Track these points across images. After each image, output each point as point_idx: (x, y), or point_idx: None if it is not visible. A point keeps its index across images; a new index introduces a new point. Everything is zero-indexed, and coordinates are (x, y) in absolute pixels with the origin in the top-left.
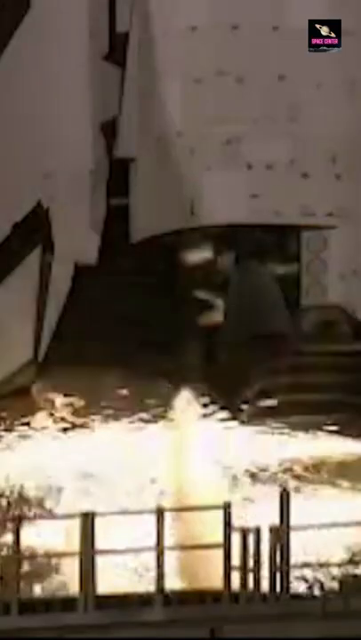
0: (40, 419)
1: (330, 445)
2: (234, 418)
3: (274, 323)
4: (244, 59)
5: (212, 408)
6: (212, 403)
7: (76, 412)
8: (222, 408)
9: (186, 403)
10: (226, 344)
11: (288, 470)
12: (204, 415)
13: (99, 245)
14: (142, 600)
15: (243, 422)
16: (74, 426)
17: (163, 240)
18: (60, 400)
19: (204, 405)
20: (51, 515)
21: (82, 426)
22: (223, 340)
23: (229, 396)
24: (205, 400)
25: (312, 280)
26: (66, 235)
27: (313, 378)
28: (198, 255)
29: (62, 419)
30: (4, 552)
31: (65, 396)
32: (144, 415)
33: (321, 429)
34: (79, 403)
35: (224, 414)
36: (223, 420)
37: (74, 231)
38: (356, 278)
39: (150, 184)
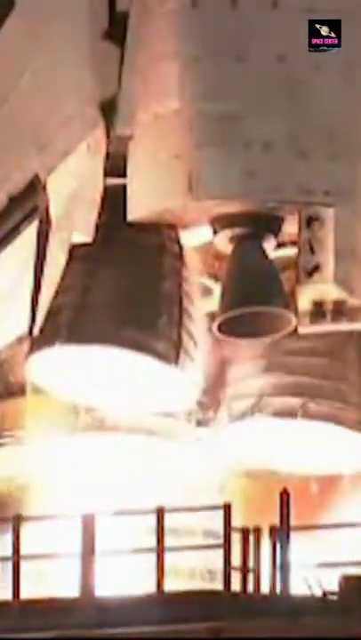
0: None
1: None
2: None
3: (271, 302)
4: (243, 37)
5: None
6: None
7: None
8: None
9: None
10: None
11: None
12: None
13: (95, 222)
14: (142, 600)
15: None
16: None
17: (160, 218)
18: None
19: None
20: (51, 515)
21: None
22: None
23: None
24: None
25: (310, 259)
26: (62, 210)
27: (310, 359)
28: (195, 233)
29: None
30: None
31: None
32: None
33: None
34: None
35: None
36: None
37: (71, 206)
38: (353, 257)
39: (148, 162)
